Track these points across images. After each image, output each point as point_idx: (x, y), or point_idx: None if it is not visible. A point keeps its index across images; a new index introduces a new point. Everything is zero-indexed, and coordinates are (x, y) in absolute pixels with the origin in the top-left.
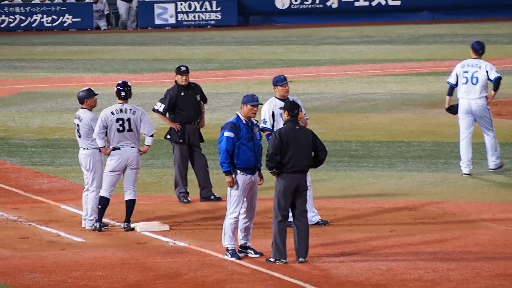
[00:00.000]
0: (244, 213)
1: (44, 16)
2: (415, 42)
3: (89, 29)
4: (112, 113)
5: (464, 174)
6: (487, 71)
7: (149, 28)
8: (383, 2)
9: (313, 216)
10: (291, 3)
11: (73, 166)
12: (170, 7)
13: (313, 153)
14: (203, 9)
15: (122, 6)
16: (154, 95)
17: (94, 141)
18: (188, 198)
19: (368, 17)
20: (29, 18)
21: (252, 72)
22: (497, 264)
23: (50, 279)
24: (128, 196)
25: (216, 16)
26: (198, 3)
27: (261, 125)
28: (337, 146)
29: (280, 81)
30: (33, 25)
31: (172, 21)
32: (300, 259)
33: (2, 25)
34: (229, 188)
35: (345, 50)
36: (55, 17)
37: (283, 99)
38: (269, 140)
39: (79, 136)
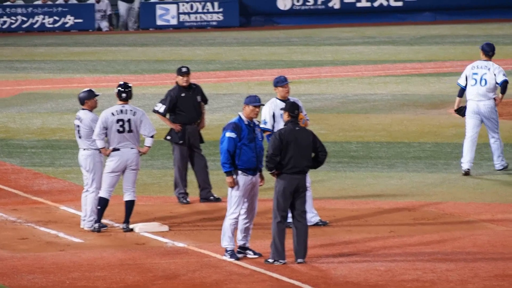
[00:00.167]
0: (245, 214)
1: (46, 17)
2: (416, 43)
3: (90, 30)
4: (113, 114)
5: (464, 170)
6: (495, 74)
7: (151, 29)
8: (385, 3)
9: (312, 216)
10: (293, 4)
11: (73, 167)
12: (172, 8)
13: (313, 154)
14: (205, 10)
15: (122, 7)
16: (155, 96)
17: (95, 142)
18: (188, 199)
19: (370, 18)
20: (31, 19)
21: (254, 73)
22: (496, 264)
23: (49, 280)
24: (127, 197)
25: (218, 17)
26: (200, 4)
27: (262, 125)
28: (337, 147)
29: (280, 82)
30: (35, 26)
31: (174, 22)
32: (299, 260)
33: (4, 26)
34: (229, 189)
35: (347, 51)
36: (56, 18)
37: (284, 100)
38: (269, 140)
39: (80, 137)
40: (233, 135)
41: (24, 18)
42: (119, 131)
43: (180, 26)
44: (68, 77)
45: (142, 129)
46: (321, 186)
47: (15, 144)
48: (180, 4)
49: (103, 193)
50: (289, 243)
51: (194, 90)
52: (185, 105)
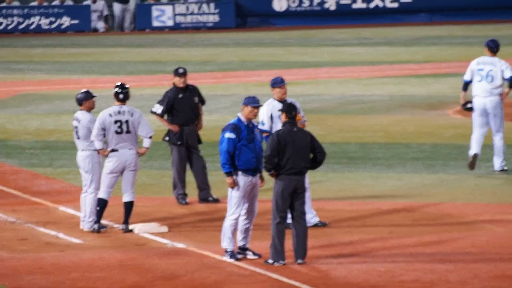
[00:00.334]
0: (245, 215)
1: (42, 18)
2: (413, 44)
3: (87, 31)
4: (110, 115)
5: (471, 156)
6: (502, 70)
7: (147, 30)
8: (381, 4)
9: (311, 217)
10: (288, 5)
11: (71, 168)
12: (168, 9)
13: (311, 155)
14: (201, 11)
15: (117, 8)
16: (152, 97)
17: (93, 143)
18: (187, 200)
19: (366, 19)
20: (27, 21)
21: (251, 74)
22: (495, 265)
23: (48, 280)
24: (126, 198)
25: (214, 18)
26: (196, 5)
27: (260, 127)
28: (336, 148)
29: (277, 83)
30: (31, 27)
31: (170, 23)
32: (299, 261)
33: (0, 28)
34: (230, 190)
35: (344, 52)
36: (53, 19)
37: (281, 101)
38: (267, 141)
39: (78, 138)
40: (232, 135)
41: (21, 20)
42: (117, 132)
43: (176, 27)
44: (65, 78)
45: (140, 130)
46: (319, 187)
47: (14, 145)
48: (176, 5)
49: (102, 194)
50: (289, 244)
51: (191, 91)
52: (183, 106)
